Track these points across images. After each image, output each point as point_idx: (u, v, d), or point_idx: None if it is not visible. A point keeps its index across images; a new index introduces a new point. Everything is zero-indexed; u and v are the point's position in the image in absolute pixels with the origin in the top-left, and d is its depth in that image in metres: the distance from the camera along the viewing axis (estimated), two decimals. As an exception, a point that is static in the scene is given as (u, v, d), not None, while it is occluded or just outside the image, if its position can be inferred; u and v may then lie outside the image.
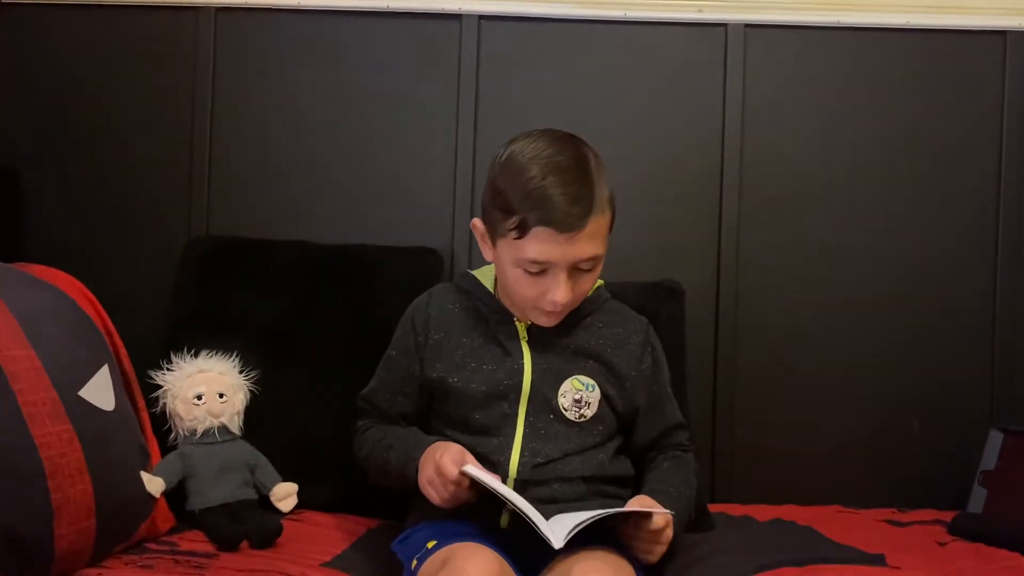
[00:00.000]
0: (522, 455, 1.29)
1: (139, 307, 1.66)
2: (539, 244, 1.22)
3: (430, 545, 1.20)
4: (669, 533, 1.22)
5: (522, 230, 1.22)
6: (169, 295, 1.69)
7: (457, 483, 1.20)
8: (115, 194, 1.82)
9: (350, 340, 1.61)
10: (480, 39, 1.80)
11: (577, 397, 1.33)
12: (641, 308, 1.48)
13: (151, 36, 1.83)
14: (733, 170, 1.79)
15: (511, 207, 1.23)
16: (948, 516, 1.58)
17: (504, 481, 1.27)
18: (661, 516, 1.19)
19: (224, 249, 1.72)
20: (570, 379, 1.33)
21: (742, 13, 1.80)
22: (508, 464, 1.29)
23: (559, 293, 1.24)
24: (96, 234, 1.81)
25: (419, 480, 1.26)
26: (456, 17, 1.81)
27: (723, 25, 1.80)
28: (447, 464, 1.20)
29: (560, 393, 1.32)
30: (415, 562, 1.21)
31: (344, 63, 1.82)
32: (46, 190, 1.82)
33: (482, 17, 1.81)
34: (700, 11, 1.80)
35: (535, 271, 1.24)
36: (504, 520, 1.29)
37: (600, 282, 1.40)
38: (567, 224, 1.20)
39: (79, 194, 1.82)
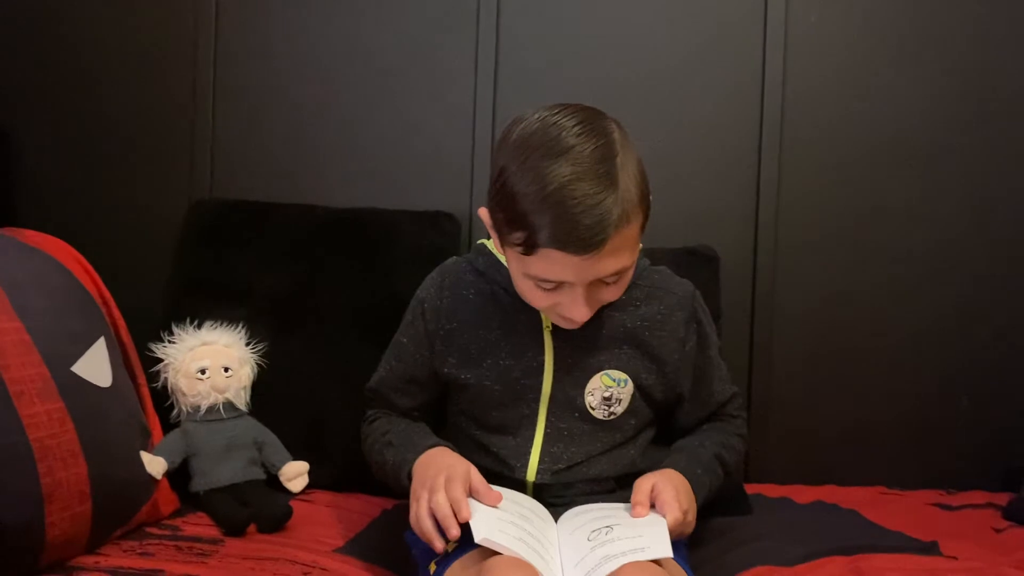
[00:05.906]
0: (541, 460, 1.21)
1: (138, 275, 1.63)
2: (549, 264, 1.06)
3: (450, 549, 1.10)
4: (680, 504, 1.09)
5: (529, 247, 1.06)
6: (170, 262, 1.65)
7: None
8: (112, 154, 1.79)
9: (362, 310, 1.58)
10: (501, -14, 1.74)
11: (607, 395, 1.21)
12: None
13: (151, -14, 1.78)
14: (773, 127, 1.71)
15: (516, 219, 1.06)
16: (1000, 499, 1.53)
17: (522, 486, 1.20)
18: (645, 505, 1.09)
19: (229, 213, 1.68)
20: (599, 375, 1.21)
21: (783, -42, 1.70)
22: (526, 469, 1.21)
23: (576, 311, 1.10)
24: (91, 197, 1.77)
25: (410, 507, 1.10)
26: (476, -37, 1.74)
27: (764, -28, 1.71)
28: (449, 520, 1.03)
29: (588, 391, 1.21)
30: (434, 566, 1.12)
31: (355, 12, 1.76)
32: (38, 150, 1.77)
33: (504, -37, 1.74)
34: (738, -44, 1.69)
35: (547, 288, 1.10)
36: None
37: (638, 247, 1.26)
38: (583, 246, 1.03)
39: (73, 154, 1.78)
